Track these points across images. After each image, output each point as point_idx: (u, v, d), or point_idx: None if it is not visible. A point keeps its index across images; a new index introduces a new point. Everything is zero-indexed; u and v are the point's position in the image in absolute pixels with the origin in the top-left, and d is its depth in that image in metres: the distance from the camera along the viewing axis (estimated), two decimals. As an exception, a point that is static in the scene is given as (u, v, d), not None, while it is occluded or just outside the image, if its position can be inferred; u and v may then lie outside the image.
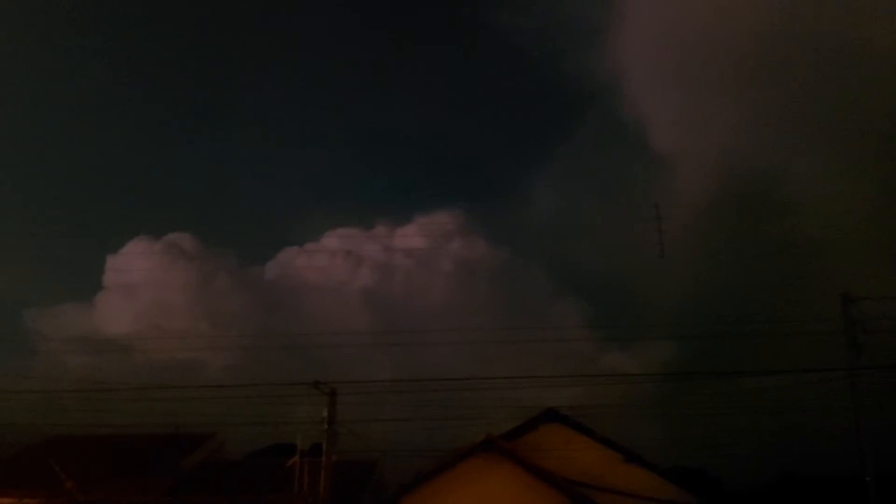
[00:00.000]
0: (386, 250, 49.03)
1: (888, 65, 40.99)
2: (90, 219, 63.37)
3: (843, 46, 42.46)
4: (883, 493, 18.63)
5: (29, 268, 54.20)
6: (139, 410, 22.39)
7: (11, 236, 53.56)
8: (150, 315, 43.81)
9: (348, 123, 75.92)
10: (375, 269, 50.94)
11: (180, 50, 72.55)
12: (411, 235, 48.39)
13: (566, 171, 63.13)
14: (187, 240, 49.42)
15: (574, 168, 62.48)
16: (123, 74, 70.99)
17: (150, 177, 70.96)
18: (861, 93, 43.44)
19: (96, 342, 36.78)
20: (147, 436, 26.37)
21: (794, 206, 43.31)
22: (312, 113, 75.41)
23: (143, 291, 46.20)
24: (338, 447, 19.79)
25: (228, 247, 56.78)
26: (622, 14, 54.63)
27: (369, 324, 45.29)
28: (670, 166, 51.53)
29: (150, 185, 70.00)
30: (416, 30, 75.22)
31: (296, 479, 19.79)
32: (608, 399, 20.46)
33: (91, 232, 60.71)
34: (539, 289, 51.60)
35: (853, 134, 44.25)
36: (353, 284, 50.10)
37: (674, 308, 42.59)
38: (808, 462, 26.02)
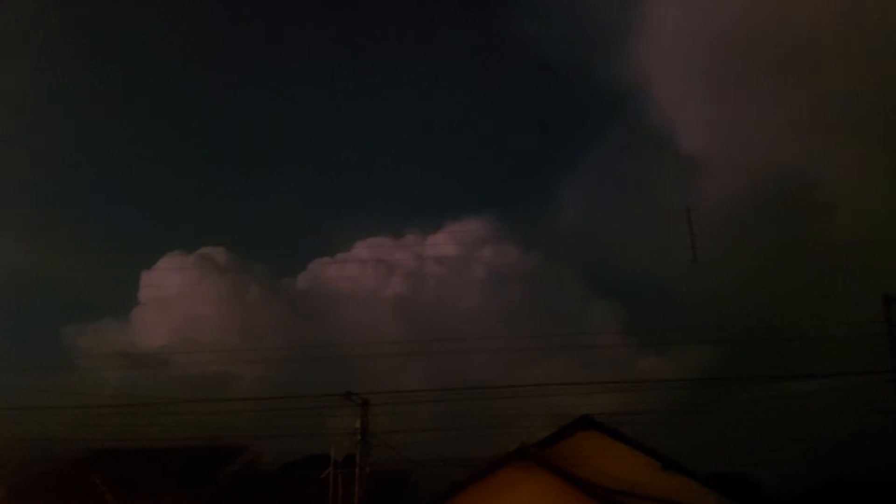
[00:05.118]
0: (417, 258, 49.04)
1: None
2: (124, 236, 64.65)
3: (879, 43, 41.55)
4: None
5: (67, 286, 55.56)
6: (175, 423, 22.66)
7: (50, 255, 54.99)
8: (184, 329, 44.40)
9: (375, 133, 76.46)
10: (407, 277, 50.97)
11: (211, 64, 73.83)
12: (442, 243, 48.33)
13: (596, 177, 62.72)
14: (219, 253, 50.05)
15: (604, 173, 62.06)
16: (155, 91, 72.41)
17: (181, 192, 72.09)
18: (898, 89, 42.48)
19: (133, 357, 37.41)
20: (184, 448, 26.65)
21: (831, 207, 42.39)
22: (339, 124, 76.18)
23: (178, 305, 46.86)
24: (371, 458, 19.77)
25: (260, 259, 57.18)
26: (647, 17, 54.16)
27: (401, 333, 45.22)
28: (701, 169, 50.74)
29: (181, 200, 71.04)
30: (444, 39, 75.50)
31: (330, 490, 19.84)
32: (644, 405, 20.13)
33: (126, 248, 62.07)
34: (572, 294, 51.14)
35: (891, 132, 43.19)
36: (384, 294, 50.20)
37: (710, 312, 41.85)
38: (853, 468, 25.28)
